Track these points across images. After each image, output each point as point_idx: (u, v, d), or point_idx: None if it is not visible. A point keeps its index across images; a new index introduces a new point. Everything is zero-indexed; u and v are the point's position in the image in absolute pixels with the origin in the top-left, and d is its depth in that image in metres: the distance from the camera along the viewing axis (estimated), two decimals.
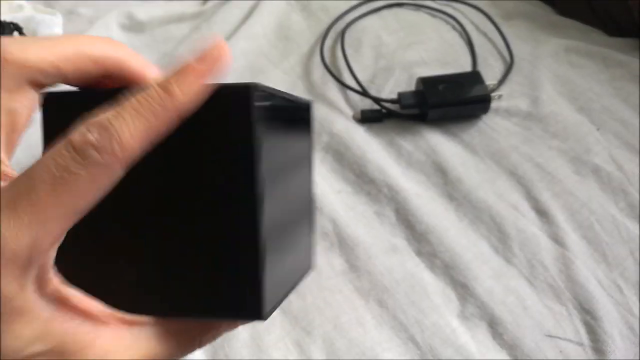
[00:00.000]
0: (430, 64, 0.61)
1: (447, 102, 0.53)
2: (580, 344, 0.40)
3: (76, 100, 0.24)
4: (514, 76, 0.59)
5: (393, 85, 0.58)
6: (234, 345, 0.39)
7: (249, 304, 0.20)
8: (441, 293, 0.42)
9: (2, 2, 0.64)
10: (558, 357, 0.39)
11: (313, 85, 0.58)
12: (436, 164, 0.51)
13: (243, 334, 0.39)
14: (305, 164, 0.28)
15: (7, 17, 0.62)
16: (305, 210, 0.28)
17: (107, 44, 0.26)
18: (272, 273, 0.21)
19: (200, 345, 0.23)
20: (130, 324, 0.22)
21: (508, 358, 0.39)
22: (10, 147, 0.23)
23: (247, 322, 0.24)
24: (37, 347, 0.20)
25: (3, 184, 0.21)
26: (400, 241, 0.46)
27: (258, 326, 0.40)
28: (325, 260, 0.44)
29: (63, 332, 0.20)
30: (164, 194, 0.22)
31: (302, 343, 0.39)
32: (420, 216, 0.46)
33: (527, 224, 0.46)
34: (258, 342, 0.39)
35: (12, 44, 0.23)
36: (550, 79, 0.59)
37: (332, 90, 0.58)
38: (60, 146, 0.19)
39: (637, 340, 0.40)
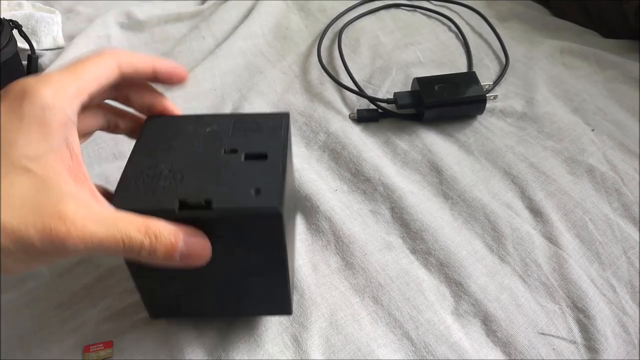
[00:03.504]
0: (426, 65, 0.61)
1: (443, 102, 0.53)
2: (573, 342, 0.40)
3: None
4: (509, 77, 0.60)
5: (389, 85, 0.59)
6: (232, 339, 0.39)
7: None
8: (435, 290, 0.43)
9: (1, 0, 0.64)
10: (551, 355, 0.39)
11: (310, 85, 0.59)
12: (431, 163, 0.51)
13: (242, 330, 0.40)
14: (292, 220, 0.39)
15: (6, 15, 0.62)
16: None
17: (111, 57, 0.32)
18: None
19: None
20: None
21: (501, 355, 0.40)
22: (80, 165, 0.30)
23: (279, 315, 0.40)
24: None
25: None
26: (395, 239, 0.46)
27: (257, 322, 0.40)
28: (322, 257, 0.44)
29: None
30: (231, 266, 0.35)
31: (299, 339, 0.39)
32: (415, 214, 0.47)
33: (521, 223, 0.47)
34: (256, 337, 0.39)
35: (43, 90, 0.28)
36: (545, 80, 0.59)
37: (329, 90, 0.58)
38: None
39: (630, 338, 0.41)
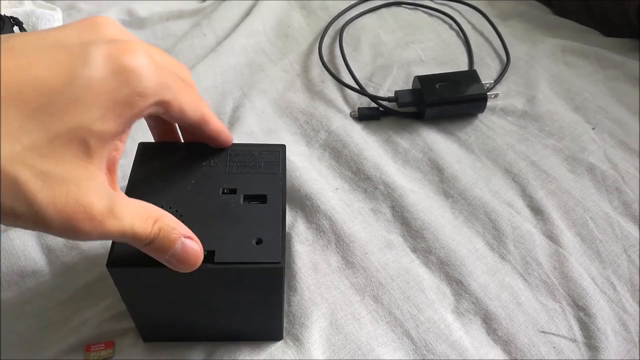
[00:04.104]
0: (427, 63, 0.61)
1: (444, 100, 0.53)
2: (574, 340, 0.40)
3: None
4: (510, 75, 0.60)
5: (391, 84, 0.59)
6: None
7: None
8: (436, 289, 0.43)
9: None
10: (551, 353, 0.40)
11: (311, 83, 0.59)
12: (432, 162, 0.51)
13: None
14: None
15: (7, 12, 0.62)
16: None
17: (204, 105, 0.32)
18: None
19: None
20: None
21: (502, 353, 0.40)
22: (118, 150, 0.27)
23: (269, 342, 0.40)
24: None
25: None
26: (395, 237, 0.46)
27: None
28: (322, 257, 0.44)
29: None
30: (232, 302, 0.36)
31: (301, 339, 0.39)
32: (416, 213, 0.47)
33: (522, 221, 0.47)
34: None
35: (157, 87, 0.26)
36: (546, 78, 0.59)
37: (330, 88, 0.58)
38: None
39: (630, 336, 0.41)
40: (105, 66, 0.24)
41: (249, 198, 0.35)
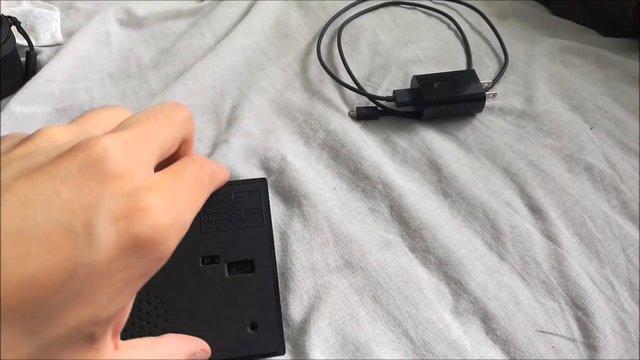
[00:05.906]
0: (426, 63, 0.61)
1: (443, 100, 0.53)
2: (572, 340, 0.40)
3: None
4: (508, 75, 0.60)
5: (389, 83, 0.59)
6: None
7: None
8: (434, 288, 0.43)
9: None
10: (550, 352, 0.40)
11: (310, 82, 0.59)
12: (431, 161, 0.51)
13: None
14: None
15: (4, 11, 0.62)
16: None
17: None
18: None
19: None
20: None
21: (500, 353, 0.40)
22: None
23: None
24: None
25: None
26: (394, 237, 0.46)
27: None
28: (320, 257, 0.44)
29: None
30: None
31: (298, 340, 0.39)
32: (415, 212, 0.47)
33: (521, 220, 0.47)
34: None
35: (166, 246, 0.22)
36: (544, 78, 0.59)
37: (329, 88, 0.58)
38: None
39: (629, 336, 0.41)
40: (113, 244, 0.19)
41: (233, 266, 0.32)
